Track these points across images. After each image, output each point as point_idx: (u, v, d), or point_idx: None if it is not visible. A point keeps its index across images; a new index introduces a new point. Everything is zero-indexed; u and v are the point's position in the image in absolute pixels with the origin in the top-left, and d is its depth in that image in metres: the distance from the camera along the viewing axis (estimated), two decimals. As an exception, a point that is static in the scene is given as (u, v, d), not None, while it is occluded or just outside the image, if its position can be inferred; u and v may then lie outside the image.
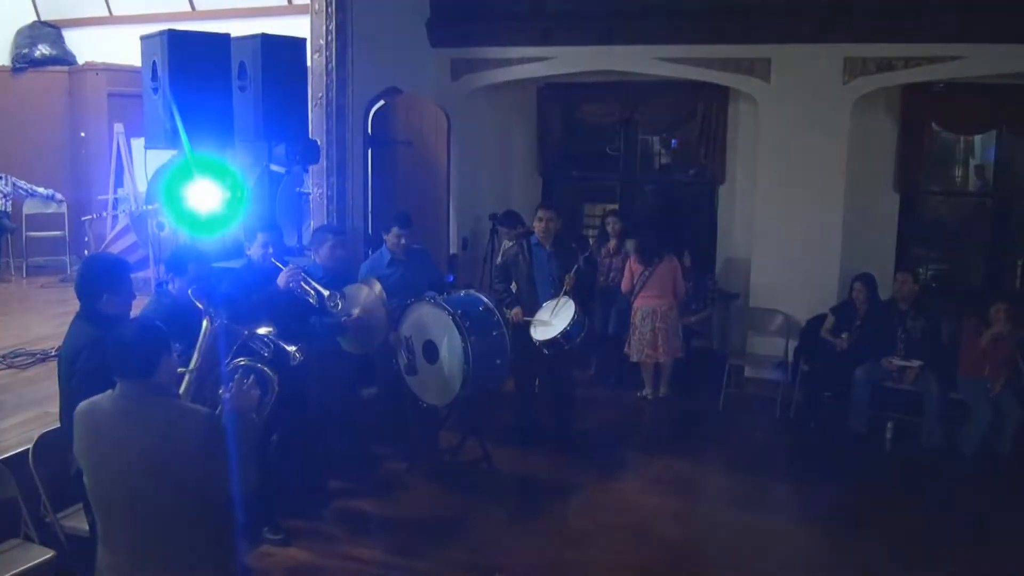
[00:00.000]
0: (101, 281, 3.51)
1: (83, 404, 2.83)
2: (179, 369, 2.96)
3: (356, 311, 5.21)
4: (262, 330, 3.86)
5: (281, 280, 4.76)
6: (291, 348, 4.16)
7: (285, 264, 4.90)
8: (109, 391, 2.79)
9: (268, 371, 3.13)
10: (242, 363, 3.20)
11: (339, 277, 5.32)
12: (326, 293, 4.84)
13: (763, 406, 7.33)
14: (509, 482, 5.92)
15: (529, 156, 9.14)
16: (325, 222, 6.73)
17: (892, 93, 7.47)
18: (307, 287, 4.83)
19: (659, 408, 7.44)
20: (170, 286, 4.21)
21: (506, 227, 7.77)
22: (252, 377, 3.10)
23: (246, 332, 3.82)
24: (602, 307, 7.93)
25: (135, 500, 2.70)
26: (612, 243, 7.99)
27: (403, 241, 5.82)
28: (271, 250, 4.94)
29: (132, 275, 3.72)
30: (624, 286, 7.49)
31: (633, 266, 7.47)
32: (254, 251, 4.95)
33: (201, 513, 2.72)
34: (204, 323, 3.32)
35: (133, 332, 2.81)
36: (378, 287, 5.43)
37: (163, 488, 2.67)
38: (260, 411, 3.13)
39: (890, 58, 7.07)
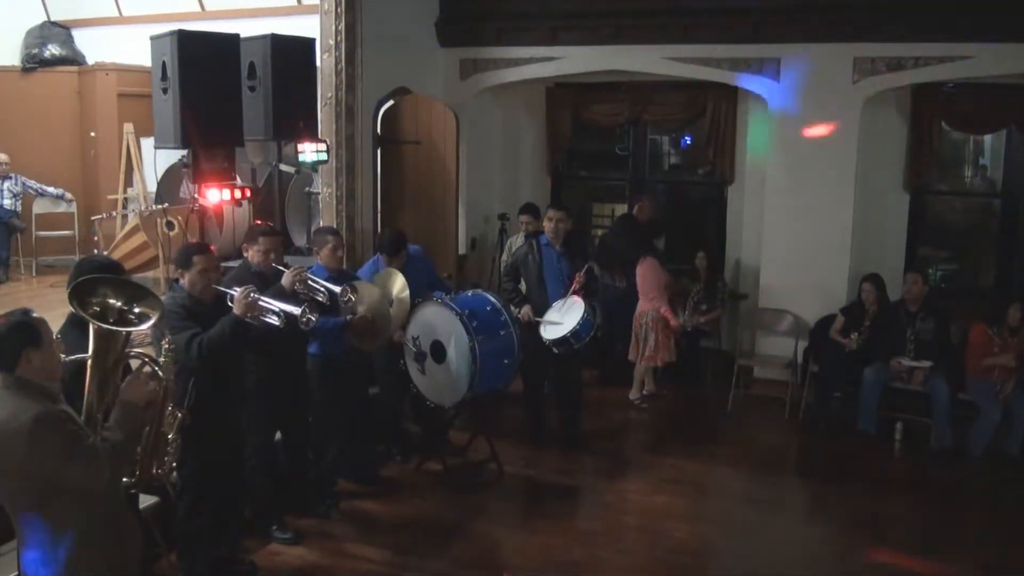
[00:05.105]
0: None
1: None
2: (65, 359, 2.97)
3: (362, 309, 5.16)
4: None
5: (286, 281, 4.56)
6: (338, 288, 4.71)
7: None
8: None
9: (159, 371, 3.14)
10: (145, 357, 3.17)
11: (343, 279, 5.27)
12: (337, 289, 4.74)
13: (772, 407, 7.31)
14: (517, 482, 5.93)
15: (538, 156, 9.13)
16: (335, 222, 6.74)
17: (902, 93, 7.45)
18: (315, 286, 4.73)
19: (668, 408, 7.43)
20: (181, 281, 4.23)
21: (527, 215, 7.53)
22: (149, 370, 3.09)
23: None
24: None
25: None
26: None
27: (392, 267, 5.72)
28: (273, 256, 4.78)
29: (137, 276, 3.69)
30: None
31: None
32: (252, 255, 4.78)
33: (38, 499, 2.79)
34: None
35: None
36: (396, 287, 5.40)
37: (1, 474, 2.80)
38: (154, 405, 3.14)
39: (900, 58, 7.06)
